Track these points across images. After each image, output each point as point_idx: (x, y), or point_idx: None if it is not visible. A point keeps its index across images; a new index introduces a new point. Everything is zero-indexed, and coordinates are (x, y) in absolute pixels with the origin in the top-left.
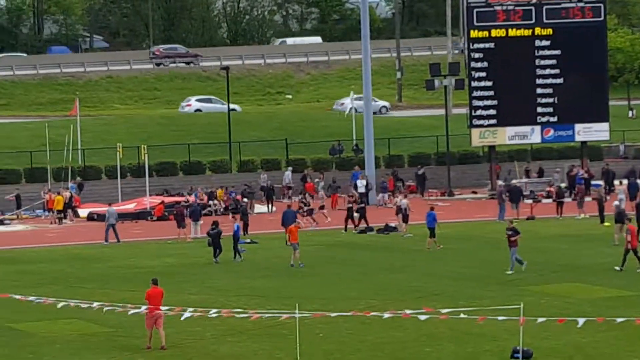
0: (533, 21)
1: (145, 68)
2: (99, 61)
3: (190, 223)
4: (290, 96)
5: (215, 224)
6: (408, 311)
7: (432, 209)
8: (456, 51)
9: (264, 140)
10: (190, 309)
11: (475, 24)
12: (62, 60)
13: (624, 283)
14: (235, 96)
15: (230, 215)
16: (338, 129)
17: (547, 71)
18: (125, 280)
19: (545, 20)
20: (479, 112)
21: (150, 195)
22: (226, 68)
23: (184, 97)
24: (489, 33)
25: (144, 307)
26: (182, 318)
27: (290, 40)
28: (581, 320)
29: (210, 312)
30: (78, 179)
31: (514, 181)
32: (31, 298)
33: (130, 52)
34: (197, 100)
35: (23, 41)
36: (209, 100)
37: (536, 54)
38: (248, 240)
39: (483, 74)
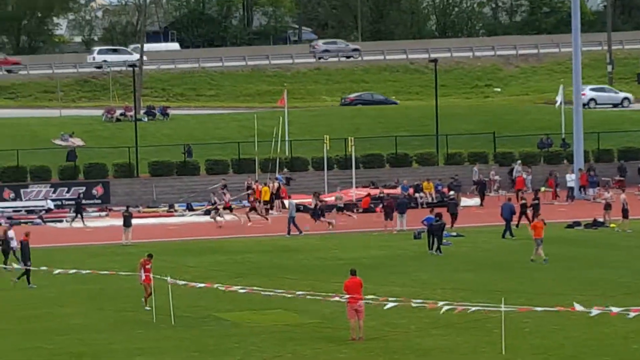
0: None
1: (352, 60)
2: (307, 53)
3: (396, 215)
4: (498, 89)
5: (439, 215)
6: (615, 309)
7: None
8: None
9: (472, 133)
10: (392, 298)
11: None
12: (270, 52)
13: None
14: (442, 89)
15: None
16: (547, 122)
17: None
18: (329, 272)
19: None
20: None
21: (357, 187)
22: (434, 60)
23: (391, 89)
24: None
25: (344, 297)
26: (386, 307)
27: None
28: None
29: (414, 303)
30: (286, 170)
31: None
32: (235, 288)
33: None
34: None
35: (233, 33)
36: None
37: None
38: (454, 234)
39: None
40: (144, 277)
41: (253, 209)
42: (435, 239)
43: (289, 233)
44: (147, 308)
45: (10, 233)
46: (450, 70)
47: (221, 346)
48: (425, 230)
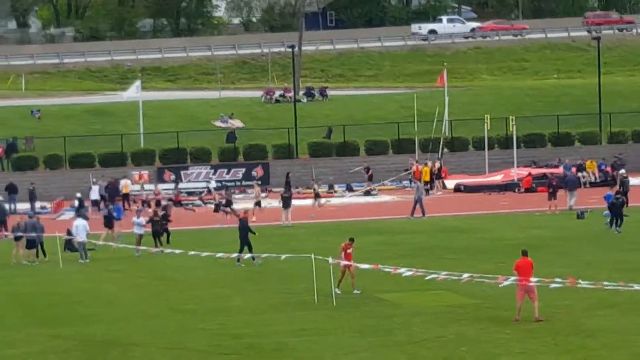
0: None
1: (514, 39)
2: (466, 32)
3: (564, 194)
4: None
5: (620, 193)
6: None
7: None
8: None
9: (635, 111)
10: (559, 279)
11: None
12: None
13: None
14: (605, 67)
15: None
16: None
17: None
18: (491, 252)
19: None
20: None
21: (518, 166)
22: (597, 38)
23: (552, 68)
24: None
25: (511, 279)
26: (551, 286)
27: None
28: None
29: (580, 284)
30: (446, 151)
31: None
32: (402, 270)
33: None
34: None
35: (392, 13)
36: None
37: None
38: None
39: None
40: (344, 262)
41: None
42: (617, 217)
43: (412, 214)
44: (337, 291)
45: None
46: (613, 47)
47: (383, 327)
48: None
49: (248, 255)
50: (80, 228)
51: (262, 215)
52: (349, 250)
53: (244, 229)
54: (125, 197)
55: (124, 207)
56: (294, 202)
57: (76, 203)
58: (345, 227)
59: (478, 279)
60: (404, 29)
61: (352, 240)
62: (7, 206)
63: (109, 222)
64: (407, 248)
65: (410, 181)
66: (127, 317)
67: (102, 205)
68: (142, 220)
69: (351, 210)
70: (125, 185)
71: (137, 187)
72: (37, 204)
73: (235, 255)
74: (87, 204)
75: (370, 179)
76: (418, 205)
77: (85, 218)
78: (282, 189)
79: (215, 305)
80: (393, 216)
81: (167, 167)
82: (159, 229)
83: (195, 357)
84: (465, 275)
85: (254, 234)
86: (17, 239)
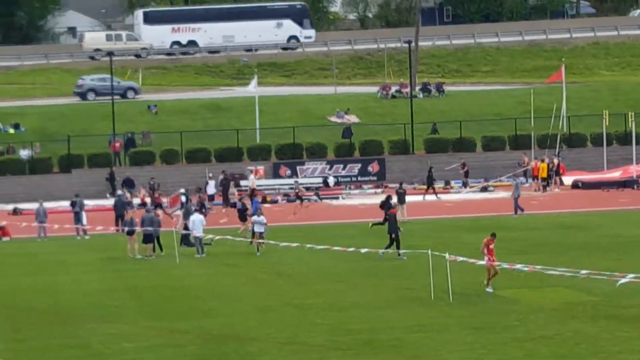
0: None
1: (633, 34)
2: (585, 27)
3: None
4: None
5: None
6: None
7: None
8: None
9: None
10: None
11: None
12: (547, 26)
13: None
14: None
15: None
16: None
17: None
18: (608, 249)
19: None
20: None
21: (637, 163)
22: None
23: None
24: None
25: (629, 276)
26: None
27: None
28: None
29: None
30: (563, 147)
31: None
32: (519, 266)
33: (617, 17)
34: None
35: (509, 8)
36: None
37: None
38: None
39: None
40: (487, 258)
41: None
42: None
43: (515, 212)
44: (489, 290)
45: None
46: None
47: (500, 323)
48: None
49: (391, 250)
50: (197, 223)
51: (305, 211)
52: (492, 246)
53: (393, 224)
54: (252, 192)
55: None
56: (410, 197)
57: (183, 199)
58: (462, 223)
59: (596, 276)
60: (522, 24)
61: (493, 235)
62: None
63: (242, 215)
64: (523, 245)
65: (523, 176)
66: (243, 312)
67: (216, 199)
68: (263, 218)
69: (467, 206)
70: (252, 180)
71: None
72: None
73: (352, 249)
74: (204, 198)
75: (466, 175)
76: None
77: (190, 213)
78: (397, 185)
79: (331, 300)
80: (509, 213)
81: (283, 163)
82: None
83: (312, 352)
84: (583, 272)
85: (400, 230)
86: (129, 233)
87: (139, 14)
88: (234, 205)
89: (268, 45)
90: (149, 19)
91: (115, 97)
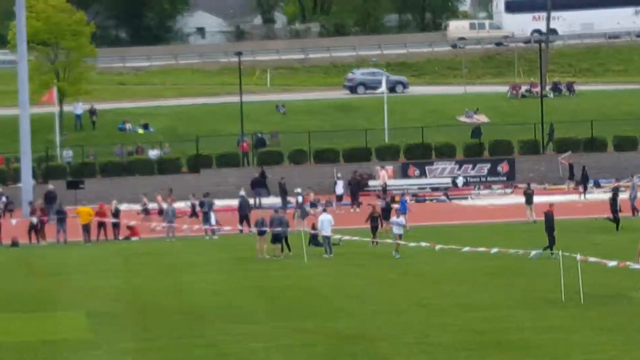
0: None
1: None
2: None
3: None
4: None
5: None
6: None
7: None
8: None
9: None
10: None
11: None
12: None
13: None
14: None
15: None
16: None
17: None
18: None
19: None
20: None
21: None
22: None
23: None
24: None
25: None
26: None
27: None
28: None
29: None
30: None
31: None
32: None
33: None
34: None
35: None
36: None
37: None
38: None
39: None
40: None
41: None
42: None
43: (633, 214)
44: None
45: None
46: None
47: (632, 325)
48: None
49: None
50: (325, 223)
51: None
52: None
53: (550, 222)
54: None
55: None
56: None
57: (299, 199)
58: (592, 224)
59: None
60: None
61: None
62: (252, 201)
63: (386, 214)
64: None
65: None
66: (372, 312)
67: (344, 199)
68: (402, 220)
69: (597, 207)
70: (384, 177)
71: (376, 182)
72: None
73: (481, 249)
74: (332, 199)
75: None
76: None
77: (306, 214)
78: (525, 185)
79: (460, 300)
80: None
81: (412, 163)
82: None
83: (440, 353)
84: None
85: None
86: (260, 233)
87: (500, 2)
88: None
89: (621, 33)
90: (511, 7)
91: (380, 91)
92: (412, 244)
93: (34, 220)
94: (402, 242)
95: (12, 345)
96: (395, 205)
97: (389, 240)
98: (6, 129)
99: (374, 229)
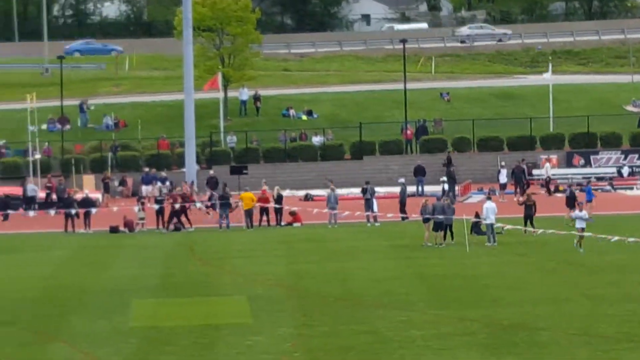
0: None
1: None
2: None
3: None
4: None
5: None
6: None
7: None
8: None
9: None
10: None
11: None
12: None
13: None
14: None
15: None
16: None
17: None
18: None
19: None
20: None
21: None
22: None
23: None
24: None
25: None
26: None
27: None
28: None
29: None
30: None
31: None
32: None
33: None
34: None
35: None
36: None
37: None
38: None
39: None
40: None
41: None
42: None
43: None
44: None
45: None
46: None
47: None
48: None
49: None
50: (490, 210)
51: None
52: None
53: None
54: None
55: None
56: None
57: (445, 187)
58: None
59: None
60: None
61: None
62: (415, 188)
63: (571, 202)
64: None
65: None
66: (533, 301)
67: (508, 188)
68: (585, 213)
69: None
70: (547, 169)
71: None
72: None
73: None
74: (495, 187)
75: None
76: None
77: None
78: None
79: (625, 290)
80: None
81: (576, 152)
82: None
83: (602, 344)
84: None
85: None
86: (425, 220)
87: None
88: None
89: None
90: None
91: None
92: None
93: (176, 206)
94: (585, 234)
95: (176, 329)
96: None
97: (552, 231)
98: (171, 115)
99: (527, 218)
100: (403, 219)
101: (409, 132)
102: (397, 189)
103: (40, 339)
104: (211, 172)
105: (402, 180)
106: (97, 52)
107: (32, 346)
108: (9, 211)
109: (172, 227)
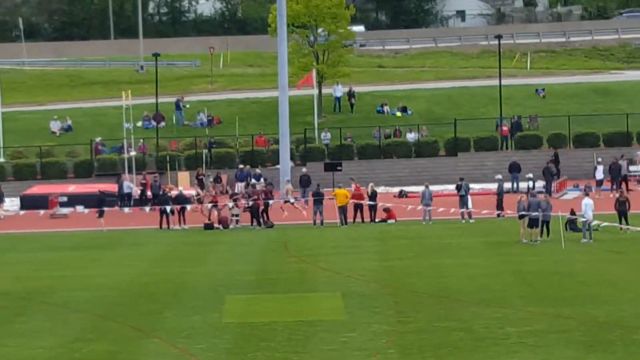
0: None
1: None
2: None
3: None
4: None
5: None
6: None
7: None
8: None
9: None
10: None
11: None
12: None
13: None
14: None
15: None
16: None
17: None
18: None
19: None
20: None
21: None
22: None
23: None
24: None
25: None
26: None
27: None
28: None
29: None
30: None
31: None
32: None
33: None
34: None
35: None
36: None
37: None
38: None
39: None
40: None
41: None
42: None
43: None
44: None
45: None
46: None
47: None
48: None
49: None
50: (588, 207)
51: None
52: None
53: None
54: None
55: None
56: None
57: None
58: None
59: None
60: None
61: None
62: (509, 185)
63: None
64: None
65: None
66: (631, 299)
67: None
68: None
69: None
70: None
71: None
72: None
73: None
74: (592, 184)
75: None
76: None
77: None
78: None
79: None
80: None
81: None
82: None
83: None
84: None
85: None
86: (520, 217)
87: None
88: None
89: None
90: None
91: None
92: None
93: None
94: None
95: (270, 325)
96: None
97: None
98: (265, 112)
99: (621, 214)
100: (498, 215)
101: (504, 128)
102: (491, 186)
103: (136, 335)
104: (304, 169)
105: (499, 176)
106: None
107: (128, 342)
108: (105, 208)
109: (269, 223)
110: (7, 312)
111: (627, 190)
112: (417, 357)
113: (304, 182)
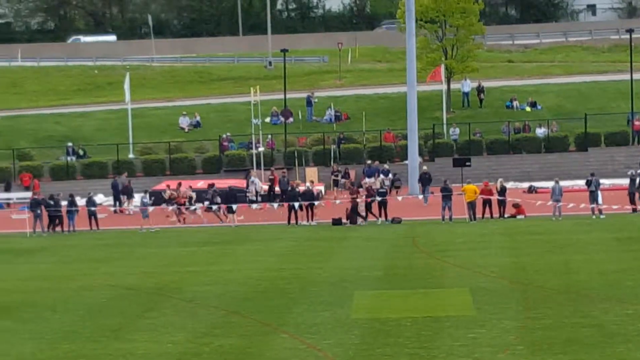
0: None
1: None
2: None
3: None
4: None
5: None
6: None
7: None
8: None
9: None
10: None
11: None
12: None
13: None
14: None
15: None
16: None
17: None
18: None
19: None
20: None
21: None
22: None
23: None
24: None
25: None
26: None
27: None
28: None
29: None
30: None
31: None
32: None
33: None
34: None
35: None
36: None
37: None
38: None
39: None
40: None
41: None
42: None
43: None
44: None
45: None
46: None
47: None
48: None
49: None
50: None
51: None
52: None
53: None
54: None
55: None
56: None
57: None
58: None
59: None
60: None
61: None
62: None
63: None
64: None
65: None
66: None
67: None
68: None
69: None
70: None
71: None
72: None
73: None
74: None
75: None
76: None
77: None
78: None
79: None
80: None
81: None
82: None
83: None
84: None
85: None
86: None
87: None
88: None
89: None
90: None
91: None
92: None
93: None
94: None
95: (398, 321)
96: None
97: None
98: (394, 107)
99: None
100: (634, 210)
101: (636, 123)
102: (622, 181)
103: (264, 330)
104: (424, 167)
105: (632, 171)
106: None
107: (255, 336)
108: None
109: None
110: (137, 307)
111: None
112: (547, 353)
113: (425, 180)
